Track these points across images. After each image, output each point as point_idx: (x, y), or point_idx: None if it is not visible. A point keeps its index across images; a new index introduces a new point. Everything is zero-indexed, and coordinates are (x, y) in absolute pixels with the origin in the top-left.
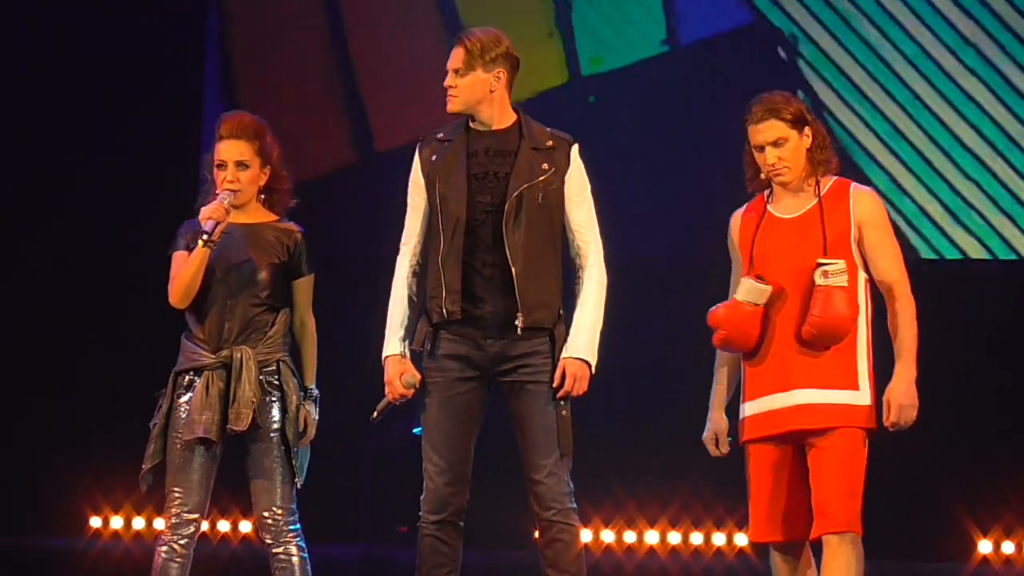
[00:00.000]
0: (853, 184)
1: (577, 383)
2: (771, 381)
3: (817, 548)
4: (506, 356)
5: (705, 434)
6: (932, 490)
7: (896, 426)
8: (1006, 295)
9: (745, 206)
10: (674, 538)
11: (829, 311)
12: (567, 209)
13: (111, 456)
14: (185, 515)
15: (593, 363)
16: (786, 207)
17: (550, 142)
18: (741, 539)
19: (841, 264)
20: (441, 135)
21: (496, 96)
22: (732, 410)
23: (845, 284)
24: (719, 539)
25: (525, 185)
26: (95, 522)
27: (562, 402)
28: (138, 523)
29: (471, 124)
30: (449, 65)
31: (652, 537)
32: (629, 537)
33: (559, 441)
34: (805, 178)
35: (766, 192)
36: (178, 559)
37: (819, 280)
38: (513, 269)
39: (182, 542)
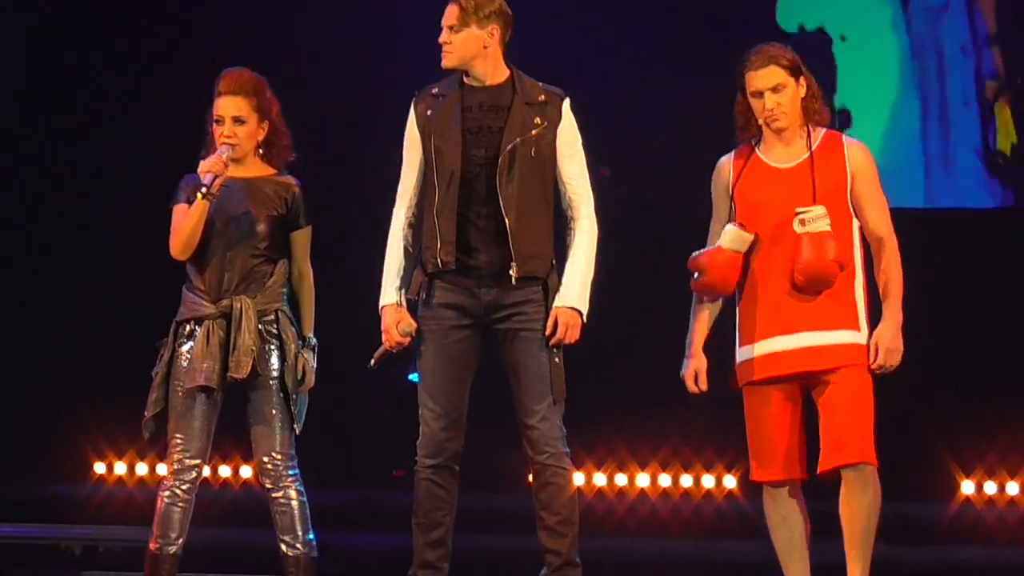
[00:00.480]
0: (845, 136)
1: (569, 331)
2: (773, 324)
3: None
4: (500, 304)
5: (684, 371)
6: (916, 432)
7: (881, 368)
8: (989, 241)
9: (732, 153)
10: (664, 481)
11: (811, 257)
12: (559, 162)
13: (115, 404)
14: (187, 461)
15: (585, 312)
16: (777, 156)
17: (542, 97)
18: (730, 481)
19: (819, 210)
20: (436, 90)
21: (490, 52)
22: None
23: (827, 228)
24: (708, 481)
25: (518, 139)
26: (99, 468)
27: (555, 349)
28: (141, 469)
29: (465, 80)
30: (444, 22)
31: (643, 480)
32: (620, 480)
33: (552, 387)
34: (798, 127)
35: (754, 141)
36: (180, 504)
37: (797, 228)
38: (507, 220)
39: (184, 487)
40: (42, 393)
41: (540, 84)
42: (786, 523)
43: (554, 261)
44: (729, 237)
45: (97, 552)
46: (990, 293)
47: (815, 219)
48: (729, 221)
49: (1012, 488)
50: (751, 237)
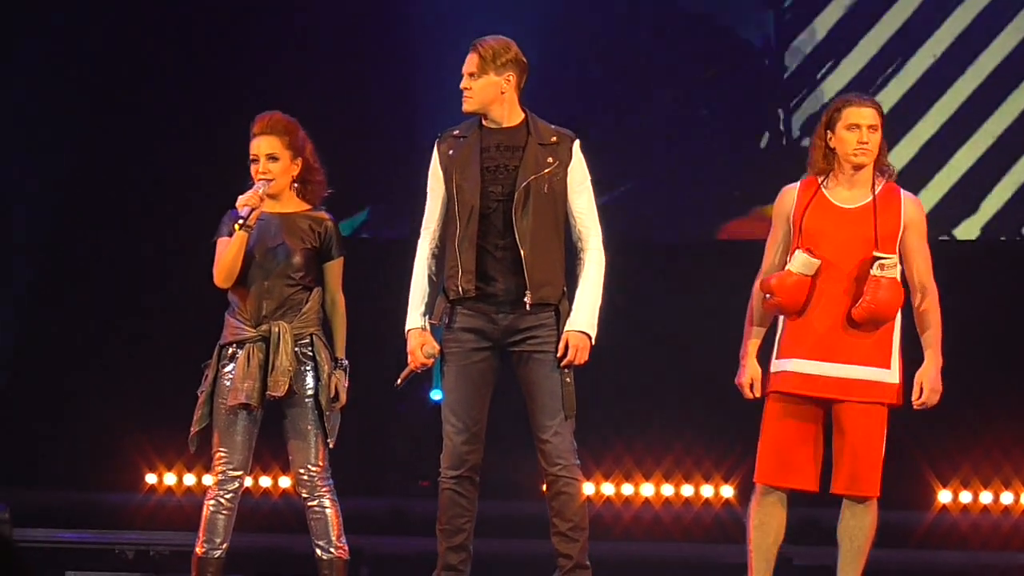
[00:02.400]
0: (902, 190)
1: (579, 353)
2: (815, 348)
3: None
4: (516, 329)
5: (741, 378)
6: (896, 444)
7: (923, 405)
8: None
9: (799, 183)
10: (667, 490)
11: (882, 299)
12: (569, 198)
13: (164, 421)
14: (230, 472)
15: (593, 335)
16: (842, 197)
17: (554, 138)
18: (727, 491)
19: (895, 258)
20: (457, 132)
21: (506, 97)
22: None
23: (896, 276)
24: (707, 491)
25: (532, 177)
26: (150, 479)
27: (566, 370)
28: (189, 480)
29: (484, 122)
30: (464, 69)
31: (648, 490)
32: (627, 490)
33: (563, 404)
34: (870, 173)
35: (820, 178)
36: (224, 512)
37: (875, 272)
38: (522, 251)
39: (228, 496)
40: (99, 412)
41: (552, 126)
42: (763, 528)
43: (565, 288)
44: (799, 262)
45: (149, 556)
46: (966, 311)
47: (891, 266)
48: (787, 246)
49: (985, 497)
50: (818, 263)
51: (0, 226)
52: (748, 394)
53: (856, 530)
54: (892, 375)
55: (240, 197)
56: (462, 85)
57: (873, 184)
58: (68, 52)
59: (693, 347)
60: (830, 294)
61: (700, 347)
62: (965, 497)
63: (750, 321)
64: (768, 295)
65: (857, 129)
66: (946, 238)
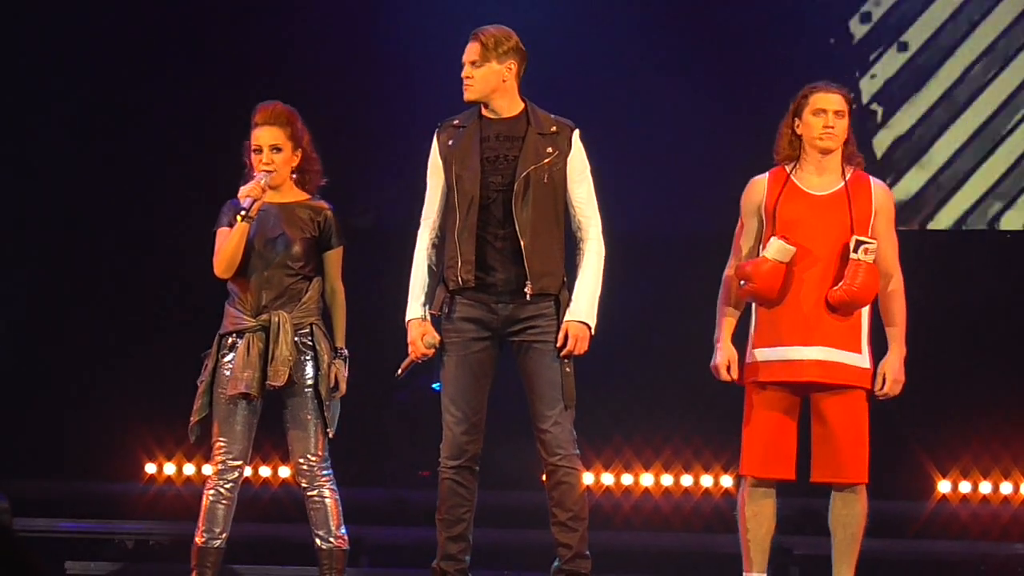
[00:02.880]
0: (871, 177)
1: (579, 343)
2: (793, 334)
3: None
4: (516, 319)
5: (717, 360)
6: (895, 434)
7: (885, 396)
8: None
9: (767, 173)
10: (667, 480)
11: (862, 283)
12: (569, 188)
13: (164, 410)
14: (230, 462)
15: (593, 325)
16: (812, 184)
17: (554, 128)
18: (726, 481)
19: (876, 243)
20: (457, 121)
21: (507, 86)
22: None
23: (873, 261)
24: (707, 481)
25: (532, 167)
26: (150, 468)
27: (566, 360)
28: (188, 469)
29: (483, 112)
30: (465, 58)
31: (647, 479)
32: (626, 480)
33: (563, 394)
34: (838, 160)
35: (787, 166)
36: (224, 501)
37: (860, 256)
38: (522, 242)
39: (227, 486)
40: (99, 402)
41: (552, 116)
42: (756, 519)
43: (565, 278)
44: (774, 249)
45: (148, 545)
46: (964, 304)
47: (874, 251)
48: (760, 236)
49: (984, 487)
50: (794, 250)
51: (3, 217)
52: (724, 376)
53: (848, 518)
54: (864, 360)
55: (242, 188)
56: (463, 74)
57: (843, 171)
58: (69, 51)
59: (693, 337)
60: (805, 280)
61: (700, 337)
62: (964, 487)
63: (723, 304)
64: (743, 282)
65: (823, 114)
66: (943, 228)
